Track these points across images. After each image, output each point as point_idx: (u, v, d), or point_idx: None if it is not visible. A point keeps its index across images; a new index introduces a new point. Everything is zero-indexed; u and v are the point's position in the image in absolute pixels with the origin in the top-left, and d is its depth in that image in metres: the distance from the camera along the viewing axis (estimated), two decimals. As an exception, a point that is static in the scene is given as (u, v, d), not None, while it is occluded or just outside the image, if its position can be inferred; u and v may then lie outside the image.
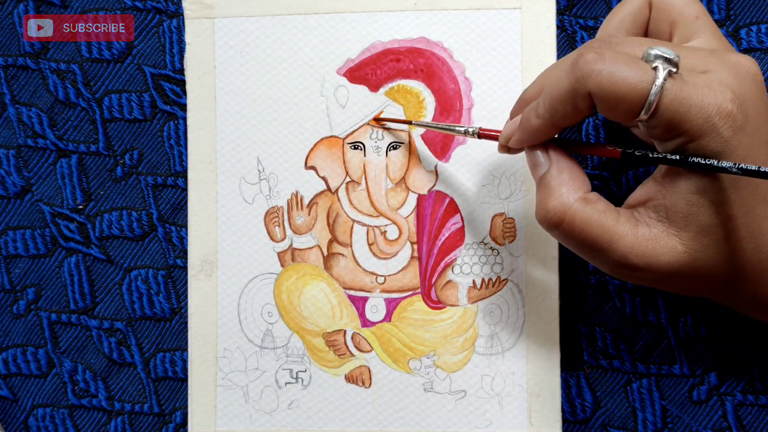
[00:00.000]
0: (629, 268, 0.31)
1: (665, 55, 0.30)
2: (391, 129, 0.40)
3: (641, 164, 0.41)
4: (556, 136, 0.34)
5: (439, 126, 0.38)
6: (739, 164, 0.29)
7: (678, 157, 0.30)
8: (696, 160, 0.30)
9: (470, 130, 0.36)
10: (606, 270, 0.33)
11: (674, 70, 0.29)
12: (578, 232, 0.31)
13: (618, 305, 0.41)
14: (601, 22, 0.41)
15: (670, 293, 0.40)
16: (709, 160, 0.29)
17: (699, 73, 0.31)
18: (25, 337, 0.43)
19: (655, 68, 0.29)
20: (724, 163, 0.29)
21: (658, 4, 0.35)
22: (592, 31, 0.41)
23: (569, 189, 0.32)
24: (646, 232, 0.31)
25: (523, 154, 0.35)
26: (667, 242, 0.31)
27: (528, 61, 0.40)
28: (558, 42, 0.41)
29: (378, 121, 0.40)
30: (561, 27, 0.41)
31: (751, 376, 0.40)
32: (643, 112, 0.29)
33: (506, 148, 0.35)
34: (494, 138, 0.36)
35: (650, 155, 0.31)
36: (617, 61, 0.29)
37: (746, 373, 0.40)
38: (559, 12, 0.41)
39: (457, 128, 0.37)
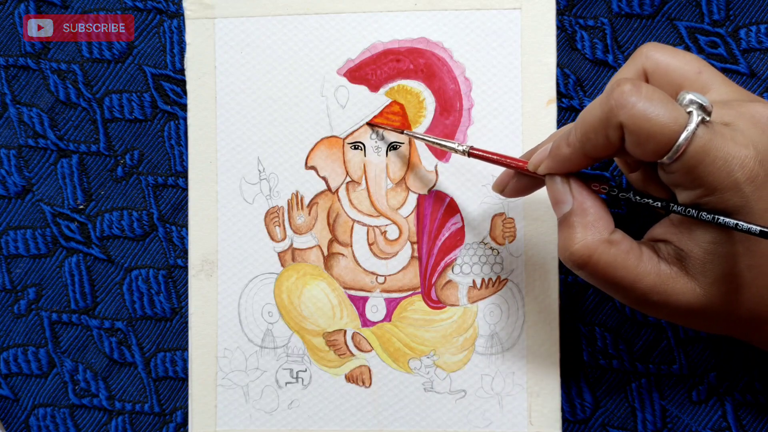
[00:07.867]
0: (648, 305, 0.32)
1: (700, 102, 0.29)
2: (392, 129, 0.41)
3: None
4: (588, 168, 0.33)
5: (431, 140, 0.38)
6: (760, 227, 0.28)
7: (686, 209, 0.30)
8: (716, 218, 0.29)
9: (460, 148, 0.36)
10: (626, 303, 0.33)
11: (707, 118, 0.29)
12: (602, 274, 0.31)
13: (618, 305, 0.41)
14: (601, 21, 0.41)
15: None
16: (724, 219, 0.29)
17: (723, 124, 0.30)
18: (26, 337, 0.43)
19: (689, 113, 0.29)
20: (743, 224, 0.28)
21: (655, 71, 0.34)
22: (591, 31, 0.41)
23: (594, 231, 0.31)
24: (667, 269, 0.31)
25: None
26: (686, 283, 0.31)
27: (528, 61, 0.40)
28: (558, 42, 0.41)
29: (373, 124, 0.40)
30: (561, 27, 0.41)
31: (751, 376, 0.40)
32: (669, 154, 0.29)
33: (502, 185, 0.36)
34: (485, 159, 0.36)
35: (657, 204, 0.31)
36: (653, 98, 0.29)
37: (746, 373, 0.40)
38: (559, 12, 0.41)
39: (448, 144, 0.37)
